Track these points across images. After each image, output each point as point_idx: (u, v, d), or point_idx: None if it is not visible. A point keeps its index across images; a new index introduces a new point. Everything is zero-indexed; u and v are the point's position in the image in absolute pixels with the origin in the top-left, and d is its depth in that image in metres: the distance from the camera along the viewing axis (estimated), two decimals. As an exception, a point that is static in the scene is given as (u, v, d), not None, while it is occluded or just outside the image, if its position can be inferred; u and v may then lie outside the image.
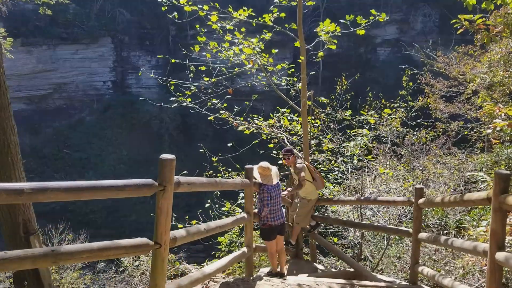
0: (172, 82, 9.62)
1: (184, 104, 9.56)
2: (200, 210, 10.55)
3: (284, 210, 7.30)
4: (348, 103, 11.33)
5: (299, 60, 8.83)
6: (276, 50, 10.13)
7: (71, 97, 40.57)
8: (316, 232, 8.37)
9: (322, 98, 10.29)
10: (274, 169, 6.68)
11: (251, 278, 6.03)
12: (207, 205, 10.56)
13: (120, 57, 38.82)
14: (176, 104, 9.41)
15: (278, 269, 6.99)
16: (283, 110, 10.71)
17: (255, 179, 6.33)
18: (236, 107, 11.00)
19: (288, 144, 10.21)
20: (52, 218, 15.98)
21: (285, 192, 7.83)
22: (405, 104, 12.26)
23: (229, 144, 10.22)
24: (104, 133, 39.03)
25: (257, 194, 6.49)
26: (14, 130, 6.30)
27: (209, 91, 9.87)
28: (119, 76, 39.65)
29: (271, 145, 10.43)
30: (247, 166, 6.24)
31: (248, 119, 10.64)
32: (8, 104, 6.22)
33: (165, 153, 3.78)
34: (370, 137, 10.88)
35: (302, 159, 7.80)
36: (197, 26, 9.66)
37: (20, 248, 6.29)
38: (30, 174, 37.11)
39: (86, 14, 39.57)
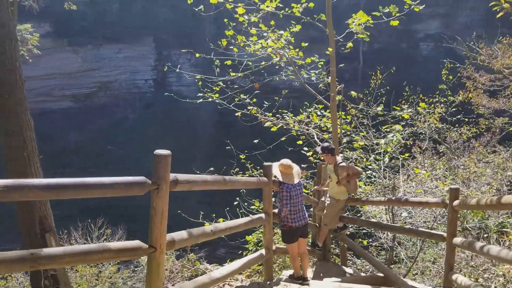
0: (197, 77, 9.34)
1: (210, 99, 9.27)
2: (227, 208, 10.23)
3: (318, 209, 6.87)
4: (383, 99, 10.70)
5: (328, 52, 8.33)
6: (306, 44, 9.68)
7: (114, 95, 41.32)
8: (344, 233, 7.88)
9: (353, 92, 9.72)
10: (296, 167, 6.25)
11: (268, 283, 5.63)
12: (235, 203, 10.22)
13: (161, 56, 39.15)
14: (201, 100, 9.14)
15: (301, 273, 6.57)
16: (314, 106, 10.23)
17: (275, 177, 5.93)
18: (266, 102, 10.60)
19: (318, 141, 9.74)
20: (96, 213, 16.07)
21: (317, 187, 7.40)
22: (445, 99, 11.50)
23: (255, 141, 9.86)
24: (145, 130, 39.46)
25: (277, 193, 6.09)
26: (30, 125, 6.17)
27: (235, 86, 9.51)
28: (160, 75, 40.02)
29: (300, 142, 9.97)
30: (265, 164, 5.84)
31: (277, 115, 10.23)
32: (24, 99, 6.09)
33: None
34: (407, 133, 10.23)
35: (343, 158, 7.32)
36: (225, 20, 9.30)
37: (35, 245, 6.17)
38: (74, 169, 38.05)
39: (128, 14, 40.14)
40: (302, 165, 9.96)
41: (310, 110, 10.20)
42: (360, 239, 8.74)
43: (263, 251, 5.78)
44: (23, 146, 5.99)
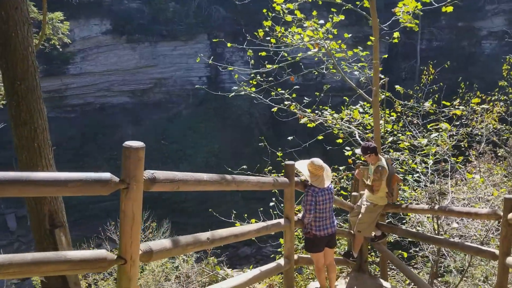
0: (230, 69, 8.74)
1: (243, 93, 8.65)
2: (261, 208, 9.57)
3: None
4: (435, 96, 9.62)
5: (369, 43, 7.45)
6: (350, 35, 8.82)
7: (169, 92, 41.61)
8: (384, 242, 6.99)
9: (398, 87, 8.73)
10: (327, 169, 5.47)
11: (286, 297, 4.91)
12: (271, 203, 9.53)
13: (215, 53, 38.94)
14: (233, 93, 8.54)
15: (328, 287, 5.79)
16: (360, 103, 9.35)
17: (299, 175, 5.20)
18: (307, 98, 9.84)
19: (359, 140, 8.87)
20: (147, 206, 15.87)
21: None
22: (505, 97, 10.21)
23: (290, 138, 9.15)
24: (198, 126, 39.53)
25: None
26: (43, 114, 5.72)
27: (270, 78, 8.81)
28: (214, 72, 39.88)
29: (340, 141, 9.11)
30: (287, 162, 5.11)
31: (317, 111, 9.43)
32: (36, 86, 5.64)
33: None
34: (461, 134, 9.12)
35: (385, 161, 6.45)
36: (264, 10, 8.61)
37: (45, 241, 5.75)
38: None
39: (184, 12, 40.25)
40: (339, 167, 9.15)
41: (354, 107, 9.32)
42: (399, 251, 7.78)
43: (281, 261, 5.06)
44: (34, 136, 5.57)
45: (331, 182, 5.76)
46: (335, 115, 9.08)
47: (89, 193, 2.63)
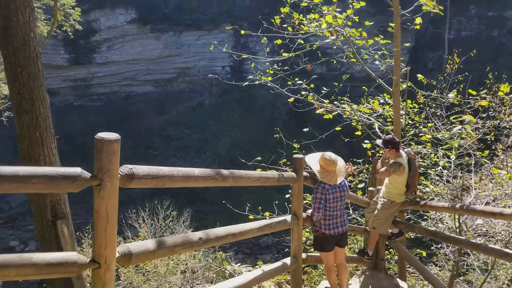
0: (244, 57, 8.40)
1: (257, 82, 8.29)
2: (276, 202, 9.22)
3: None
4: (461, 87, 9.04)
5: (390, 29, 6.97)
6: (371, 23, 8.33)
7: (193, 81, 41.50)
8: (403, 240, 6.57)
9: (419, 76, 8.19)
10: (341, 164, 5.06)
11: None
12: (287, 195, 9.18)
13: (239, 43, 38.56)
14: (246, 82, 8.20)
15: None
16: (379, 96, 8.86)
17: (307, 169, 4.83)
18: (324, 89, 9.38)
19: (379, 132, 8.41)
20: (167, 194, 15.79)
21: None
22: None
23: (305, 129, 8.77)
24: (221, 116, 39.33)
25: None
26: (45, 102, 5.49)
27: (286, 67, 8.42)
28: (237, 62, 39.50)
29: (359, 133, 8.66)
30: (295, 156, 4.74)
31: (335, 102, 8.99)
32: (39, 73, 5.41)
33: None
34: (487, 127, 8.54)
35: (407, 158, 6.00)
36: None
37: (46, 232, 5.55)
38: (154, 151, 38.89)
39: (209, 1, 39.96)
40: (358, 160, 8.73)
41: (374, 98, 8.84)
42: (417, 249, 7.33)
43: (287, 260, 4.72)
44: (36, 125, 5.35)
45: (347, 177, 5.36)
46: (354, 106, 8.63)
47: (57, 190, 2.36)
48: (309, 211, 5.04)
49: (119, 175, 2.50)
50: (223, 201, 10.12)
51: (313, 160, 4.93)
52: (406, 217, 7.82)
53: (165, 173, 2.79)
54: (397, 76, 7.14)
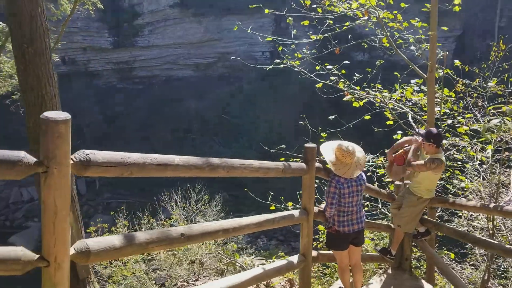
0: (268, 39, 7.94)
1: (281, 66, 7.82)
2: (300, 192, 8.74)
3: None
4: (505, 76, 8.21)
5: (425, 9, 6.31)
6: (407, 5, 7.64)
7: (233, 66, 41.20)
8: (424, 240, 5.99)
9: (456, 61, 7.45)
10: (360, 156, 4.55)
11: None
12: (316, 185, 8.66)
13: (279, 28, 37.86)
14: (271, 66, 7.74)
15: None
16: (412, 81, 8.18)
17: (319, 159, 4.37)
18: (357, 75, 8.79)
19: (412, 122, 7.77)
20: (199, 179, 15.58)
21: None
22: None
23: (331, 117, 8.25)
24: (259, 101, 38.93)
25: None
26: (53, 80, 5.25)
27: (313, 50, 7.88)
28: (276, 47, 38.84)
29: (390, 122, 8.03)
30: (307, 145, 4.28)
31: (367, 89, 8.38)
32: (46, 49, 5.16)
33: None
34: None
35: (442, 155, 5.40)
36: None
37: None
38: (192, 135, 39.06)
39: (250, -15, 39.39)
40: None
41: (408, 85, 8.16)
42: (445, 251, 6.70)
43: (294, 258, 4.29)
44: (42, 103, 5.14)
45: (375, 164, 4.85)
46: (386, 94, 8.00)
47: (-7, 176, 2.01)
48: (322, 205, 4.59)
49: (72, 162, 2.15)
50: (245, 189, 9.75)
51: (328, 150, 4.46)
52: (438, 214, 7.21)
53: (134, 161, 2.42)
54: (432, 62, 6.49)
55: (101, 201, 37.16)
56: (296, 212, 4.15)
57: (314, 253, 4.59)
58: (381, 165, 8.26)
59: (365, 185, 4.60)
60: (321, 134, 8.88)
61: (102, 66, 40.56)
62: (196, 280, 5.51)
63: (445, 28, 7.17)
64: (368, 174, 8.33)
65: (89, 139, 36.56)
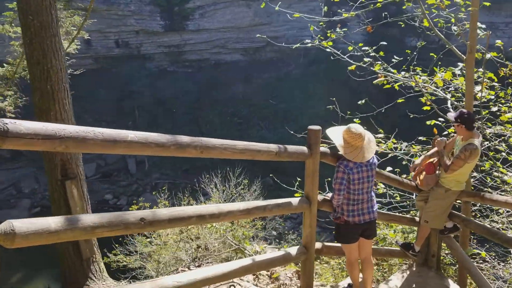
0: (296, 15, 7.51)
1: (309, 45, 7.35)
2: (328, 179, 8.25)
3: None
4: None
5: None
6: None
7: (281, 51, 40.52)
8: (452, 236, 5.38)
9: (498, 41, 6.61)
10: (370, 139, 4.10)
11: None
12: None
13: (329, 12, 36.73)
14: (297, 45, 7.29)
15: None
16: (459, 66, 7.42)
17: (325, 144, 3.93)
18: (396, 58, 8.14)
19: (451, 108, 7.07)
20: (239, 162, 15.45)
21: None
22: None
23: (360, 102, 7.72)
24: (306, 87, 38.15)
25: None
26: (59, 54, 5.06)
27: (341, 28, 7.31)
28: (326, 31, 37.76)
29: (427, 108, 7.34)
30: (310, 127, 3.85)
31: (403, 72, 7.72)
32: (52, 22, 4.96)
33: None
34: None
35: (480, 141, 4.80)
36: None
37: (56, 192, 5.24)
38: (239, 119, 38.96)
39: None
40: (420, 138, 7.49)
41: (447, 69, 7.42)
42: (471, 249, 6.01)
43: (292, 249, 3.88)
44: (47, 77, 4.97)
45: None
46: (423, 78, 7.33)
47: None
48: (330, 194, 4.15)
49: (-15, 132, 1.86)
50: (270, 175, 9.36)
51: (336, 133, 4.01)
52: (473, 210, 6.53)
53: (70, 134, 2.11)
54: (472, 41, 5.78)
55: (150, 181, 37.88)
56: (294, 200, 3.74)
57: (318, 245, 4.17)
58: (417, 153, 7.64)
59: (374, 170, 4.11)
60: (355, 120, 8.39)
61: (154, 49, 41.07)
62: (199, 266, 5.23)
63: (487, 3, 6.32)
64: (404, 163, 7.75)
65: (140, 120, 37.37)
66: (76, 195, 5.17)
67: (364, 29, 9.31)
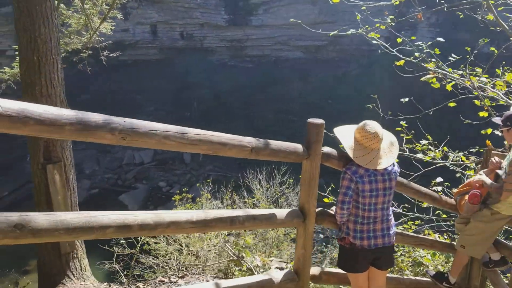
0: (335, 1, 6.70)
1: (349, 32, 6.51)
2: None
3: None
4: None
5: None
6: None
7: (344, 50, 39.03)
8: (498, 270, 4.27)
9: None
10: (391, 141, 3.16)
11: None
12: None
13: (399, 13, 34.78)
14: (334, 32, 6.42)
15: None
16: None
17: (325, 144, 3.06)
18: (454, 56, 7.11)
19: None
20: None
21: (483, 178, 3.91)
22: None
23: (403, 100, 6.77)
24: (365, 89, 36.51)
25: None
26: (49, 22, 4.42)
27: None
28: (393, 33, 35.86)
29: (484, 114, 6.15)
30: (310, 120, 2.98)
31: (459, 71, 6.63)
32: (44, -14, 4.38)
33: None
34: None
35: None
36: None
37: (37, 177, 4.67)
38: (293, 117, 37.98)
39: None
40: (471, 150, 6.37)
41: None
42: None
43: (277, 274, 3.02)
44: (34, 47, 4.38)
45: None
46: (483, 79, 6.16)
47: None
48: (333, 208, 3.25)
49: None
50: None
51: (346, 132, 3.10)
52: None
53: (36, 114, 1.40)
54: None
55: (203, 173, 37.89)
56: (281, 213, 2.87)
57: (315, 270, 3.27)
58: (470, 166, 6.48)
59: (394, 181, 3.15)
60: (402, 123, 7.45)
61: (217, 43, 41.00)
62: (182, 277, 4.48)
63: None
64: (457, 175, 6.67)
65: (197, 112, 37.45)
66: (58, 182, 4.58)
67: (434, 33, 8.06)
